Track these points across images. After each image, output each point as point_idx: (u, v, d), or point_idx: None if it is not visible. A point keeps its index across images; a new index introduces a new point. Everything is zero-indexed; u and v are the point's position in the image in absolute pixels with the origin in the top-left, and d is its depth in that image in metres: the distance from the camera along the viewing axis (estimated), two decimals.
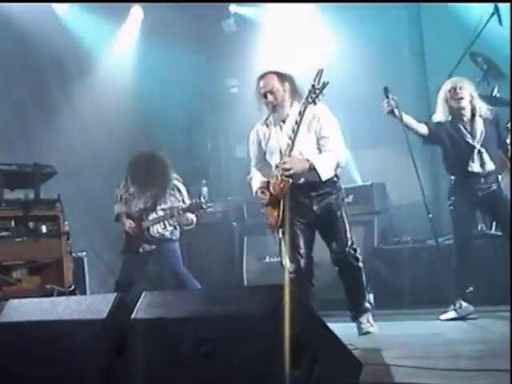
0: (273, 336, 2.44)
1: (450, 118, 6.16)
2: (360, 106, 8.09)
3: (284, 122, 5.49)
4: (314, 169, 5.27)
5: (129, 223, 7.02)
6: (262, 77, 5.52)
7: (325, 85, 5.20)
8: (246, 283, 7.94)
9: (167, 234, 7.00)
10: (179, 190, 7.05)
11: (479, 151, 6.11)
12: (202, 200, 6.94)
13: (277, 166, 5.36)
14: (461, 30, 7.67)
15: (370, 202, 7.65)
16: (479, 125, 6.14)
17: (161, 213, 6.97)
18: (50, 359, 3.09)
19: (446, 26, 8.16)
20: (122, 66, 9.54)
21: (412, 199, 8.12)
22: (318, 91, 5.22)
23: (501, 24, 7.08)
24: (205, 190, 8.89)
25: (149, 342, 2.82)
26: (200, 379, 2.57)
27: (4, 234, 6.60)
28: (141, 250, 6.98)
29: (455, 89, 6.11)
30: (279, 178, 5.29)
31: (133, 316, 2.92)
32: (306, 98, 5.26)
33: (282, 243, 5.43)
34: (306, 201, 5.43)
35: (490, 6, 7.15)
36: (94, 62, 9.39)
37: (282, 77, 5.48)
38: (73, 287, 6.77)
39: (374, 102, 8.11)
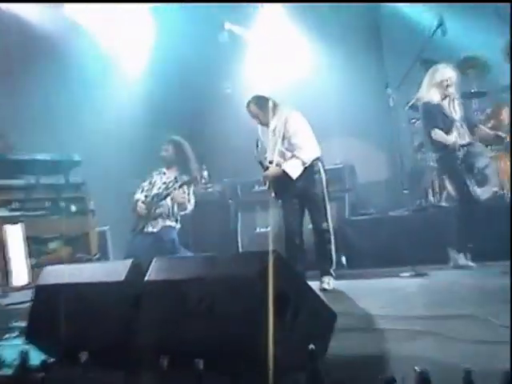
0: (261, 293, 2.43)
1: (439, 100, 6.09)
2: (332, 104, 8.11)
3: (268, 126, 5.80)
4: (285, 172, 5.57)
5: (140, 206, 6.77)
6: (247, 106, 5.82)
7: None
8: (240, 250, 7.93)
9: (168, 222, 6.77)
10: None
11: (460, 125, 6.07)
12: (202, 175, 6.85)
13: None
14: (415, 35, 7.63)
15: (341, 181, 7.62)
16: (457, 106, 6.13)
17: (165, 192, 6.72)
18: (79, 315, 3.07)
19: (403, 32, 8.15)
20: (134, 70, 9.51)
21: (374, 178, 8.20)
22: None
23: (444, 35, 7.03)
24: (205, 173, 8.84)
25: (159, 300, 2.80)
26: (201, 329, 2.56)
27: (41, 212, 6.60)
28: (145, 230, 6.75)
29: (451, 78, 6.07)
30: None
31: (146, 278, 2.90)
32: None
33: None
34: (291, 182, 5.60)
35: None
36: (109, 64, 9.32)
37: (260, 103, 5.76)
38: (98, 255, 6.77)
39: (343, 100, 8.19)
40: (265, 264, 2.50)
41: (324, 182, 5.69)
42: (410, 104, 6.83)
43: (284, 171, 5.61)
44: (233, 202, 8.46)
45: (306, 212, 5.76)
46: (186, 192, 6.78)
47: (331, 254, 5.68)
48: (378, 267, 6.69)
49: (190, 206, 6.82)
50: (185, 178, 6.78)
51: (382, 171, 8.36)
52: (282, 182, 5.65)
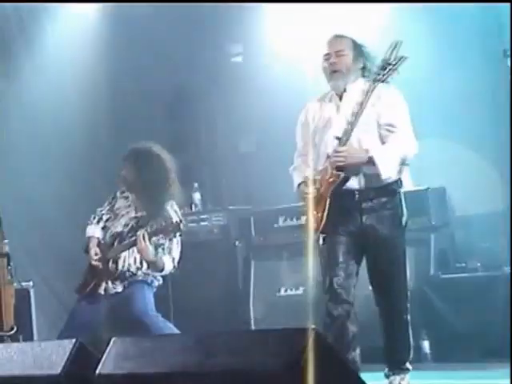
0: None
1: None
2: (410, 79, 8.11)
3: (340, 98, 5.72)
4: (374, 163, 5.46)
5: (94, 252, 6.70)
6: (333, 38, 5.80)
7: (401, 60, 5.42)
8: (253, 325, 7.93)
9: (140, 275, 6.69)
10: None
11: None
12: (178, 220, 6.49)
13: (328, 156, 5.58)
14: None
15: (424, 213, 7.61)
16: None
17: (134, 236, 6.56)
18: None
19: None
20: (81, 30, 9.58)
21: (483, 209, 8.15)
22: (391, 67, 5.45)
23: None
24: (197, 196, 8.89)
25: None
26: None
27: None
28: (102, 292, 6.70)
29: None
30: (329, 171, 5.53)
31: (98, 371, 2.92)
32: (376, 75, 5.49)
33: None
34: (355, 212, 5.58)
35: None
36: (44, 27, 9.42)
37: (357, 46, 5.74)
38: (14, 330, 6.79)
39: (429, 73, 8.18)
40: (297, 351, 2.51)
41: (404, 221, 5.65)
42: None
43: (372, 161, 5.46)
44: (242, 245, 8.49)
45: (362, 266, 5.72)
46: (165, 243, 6.62)
47: (407, 340, 5.61)
48: (487, 361, 6.67)
49: (170, 265, 6.66)
50: (157, 222, 6.57)
51: (495, 197, 8.31)
52: (345, 195, 5.57)
